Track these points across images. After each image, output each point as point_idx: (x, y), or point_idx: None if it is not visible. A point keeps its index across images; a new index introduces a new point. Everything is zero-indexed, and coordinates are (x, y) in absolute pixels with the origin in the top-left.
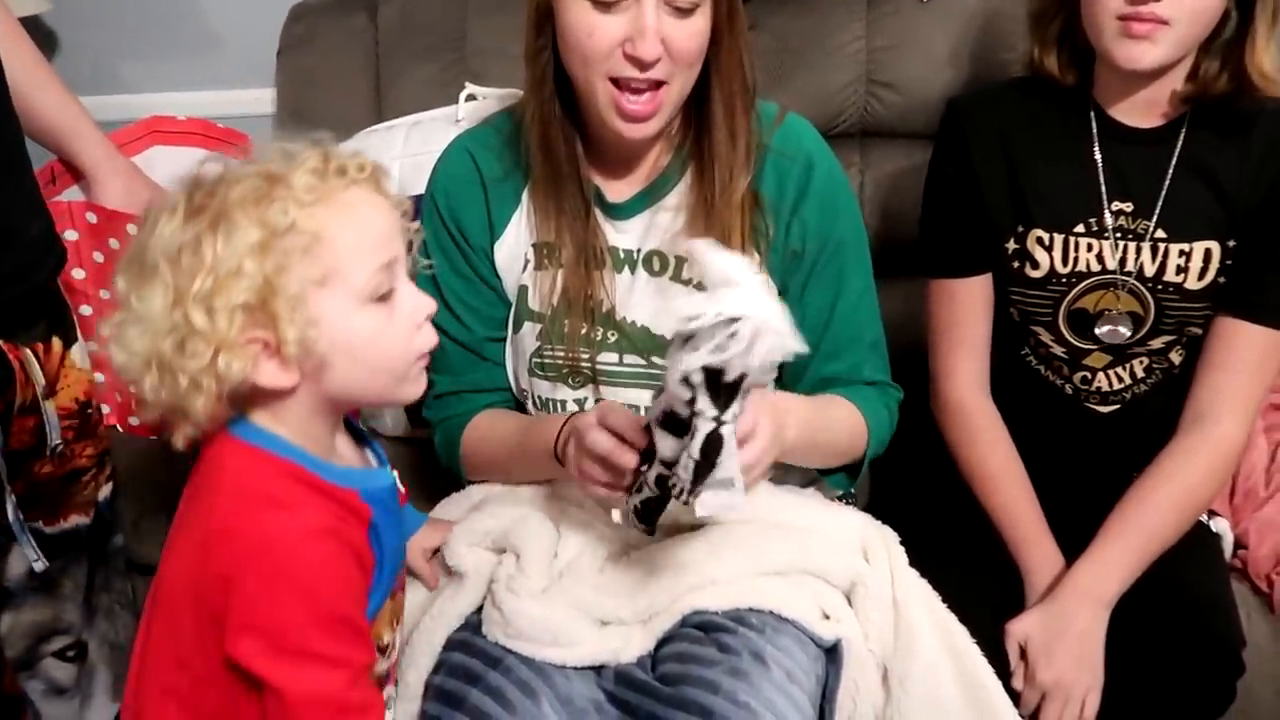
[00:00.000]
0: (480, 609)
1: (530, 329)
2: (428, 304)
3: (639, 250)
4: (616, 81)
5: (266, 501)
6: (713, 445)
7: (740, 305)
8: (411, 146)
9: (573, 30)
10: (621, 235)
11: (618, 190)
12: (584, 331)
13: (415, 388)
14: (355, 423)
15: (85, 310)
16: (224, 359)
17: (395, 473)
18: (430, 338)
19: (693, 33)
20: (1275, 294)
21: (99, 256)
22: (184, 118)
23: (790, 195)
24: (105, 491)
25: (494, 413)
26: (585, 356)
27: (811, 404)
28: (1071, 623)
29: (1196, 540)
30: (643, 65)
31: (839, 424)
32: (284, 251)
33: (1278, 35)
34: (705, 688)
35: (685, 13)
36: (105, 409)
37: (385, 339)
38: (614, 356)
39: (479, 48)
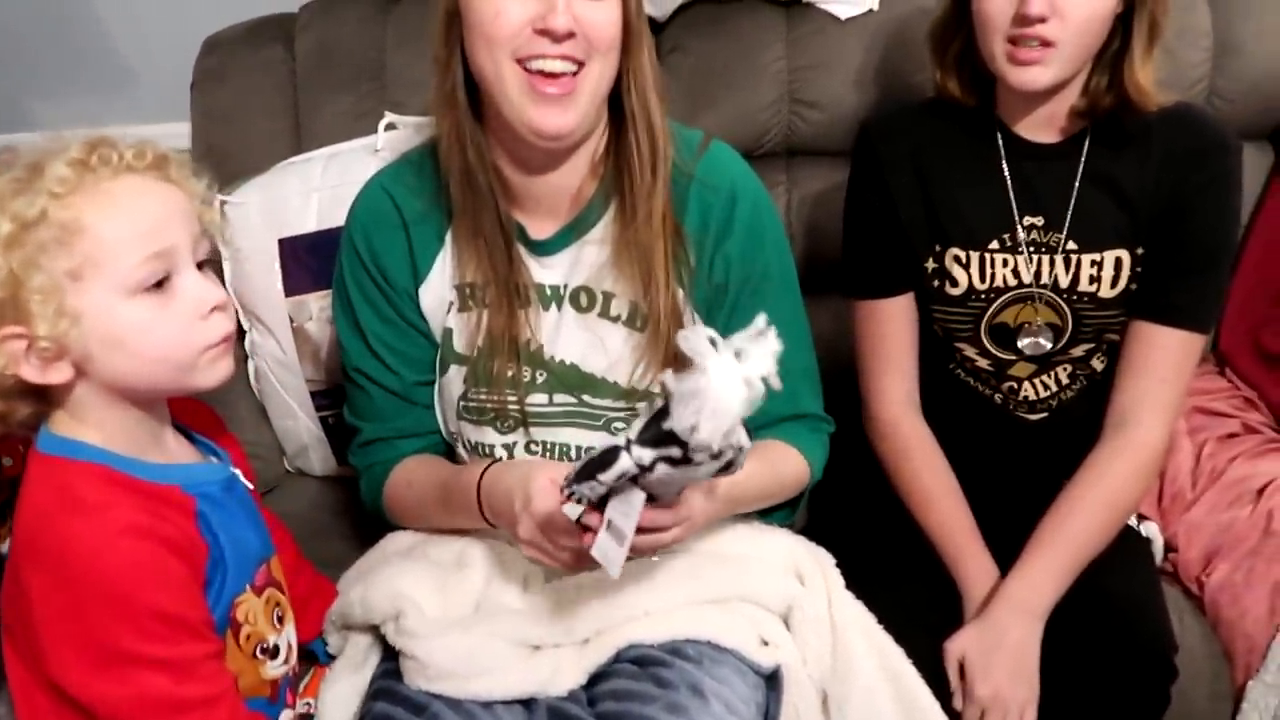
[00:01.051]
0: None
1: (456, 372)
2: (214, 295)
3: (565, 286)
4: (527, 69)
5: (66, 508)
6: (620, 483)
7: (700, 385)
8: (330, 178)
9: (479, 15)
10: (546, 271)
11: (541, 227)
12: (511, 373)
13: (209, 376)
14: (186, 426)
15: None
16: None
17: (238, 470)
18: (214, 329)
19: (606, 17)
20: (1183, 297)
21: None
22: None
23: (713, 228)
24: (5, 545)
25: (417, 461)
26: (513, 398)
27: (757, 475)
28: (1005, 636)
29: (1126, 546)
30: (556, 37)
31: (785, 478)
32: (35, 244)
33: (1159, 48)
34: None
35: None
36: None
37: (160, 330)
38: (543, 397)
39: (398, 77)
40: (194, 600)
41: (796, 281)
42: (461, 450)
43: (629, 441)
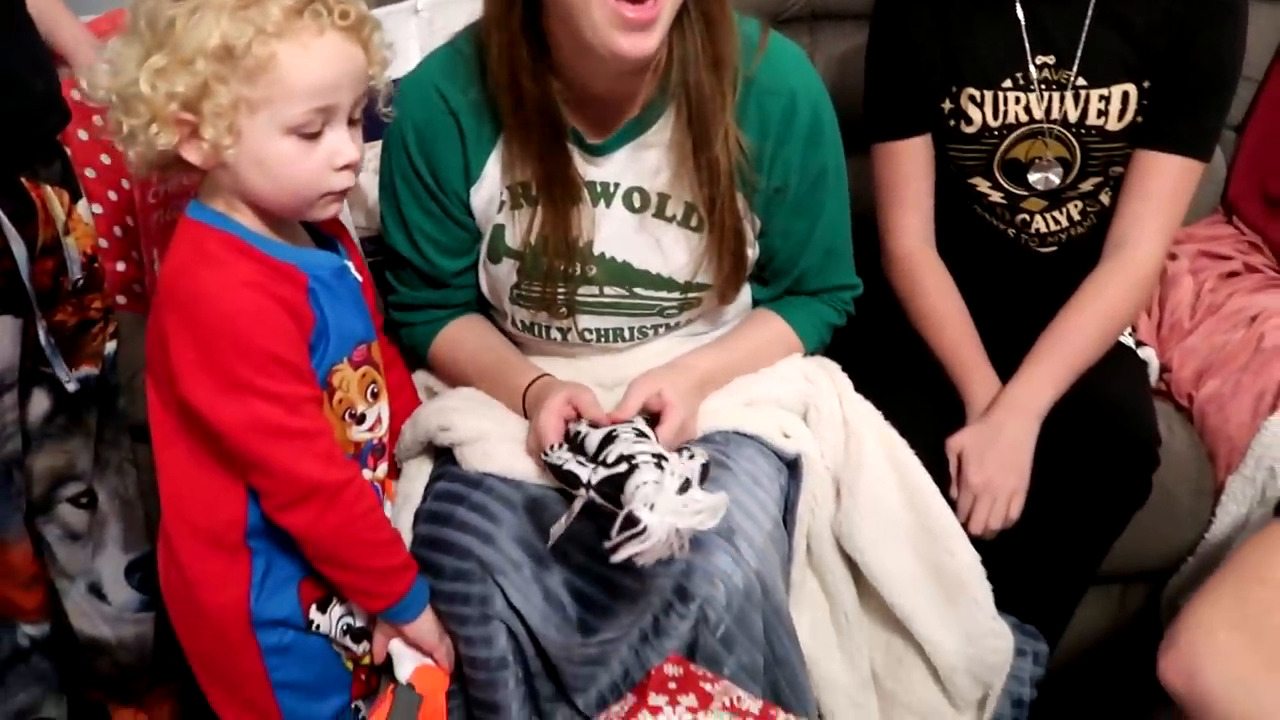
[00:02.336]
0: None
1: (508, 264)
2: (350, 154)
3: (617, 185)
4: None
5: (199, 262)
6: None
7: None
8: None
9: None
10: (598, 169)
11: (597, 132)
12: (563, 268)
13: (319, 213)
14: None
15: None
16: (155, 127)
17: (352, 264)
18: (339, 181)
19: None
20: (1185, 126)
21: (83, 135)
22: None
23: (773, 133)
24: (110, 346)
25: (465, 325)
26: (563, 292)
27: (728, 353)
28: (1002, 432)
29: (1119, 358)
30: None
31: (765, 351)
32: (232, 67)
33: None
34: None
35: None
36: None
37: (295, 168)
38: (594, 289)
39: None
40: (300, 351)
41: (845, 173)
42: (511, 327)
43: (589, 484)
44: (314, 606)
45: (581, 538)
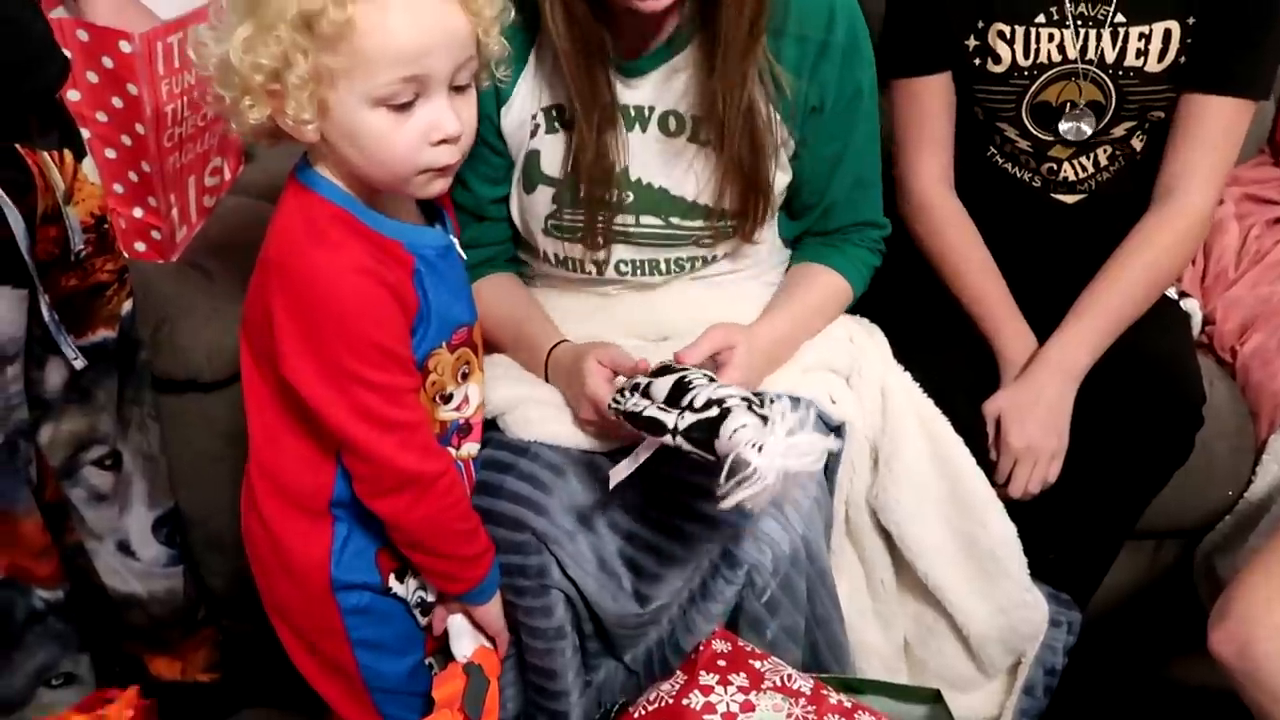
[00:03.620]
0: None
1: (544, 192)
2: (450, 127)
3: (651, 109)
4: None
5: (311, 241)
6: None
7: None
8: None
9: None
10: (632, 92)
11: (631, 49)
12: (600, 195)
13: (422, 190)
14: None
15: (84, 134)
16: (247, 100)
17: (456, 240)
18: (438, 157)
19: None
20: (1238, 65)
21: (93, 76)
22: None
23: (811, 54)
24: (127, 306)
25: (494, 287)
26: (601, 220)
27: (796, 318)
28: (1041, 394)
29: (1163, 312)
30: None
31: (826, 310)
32: (311, 35)
33: None
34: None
35: None
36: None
37: (388, 142)
38: (630, 218)
39: None
40: (405, 340)
41: (876, 99)
42: (545, 264)
43: (675, 430)
44: (392, 575)
45: (629, 503)
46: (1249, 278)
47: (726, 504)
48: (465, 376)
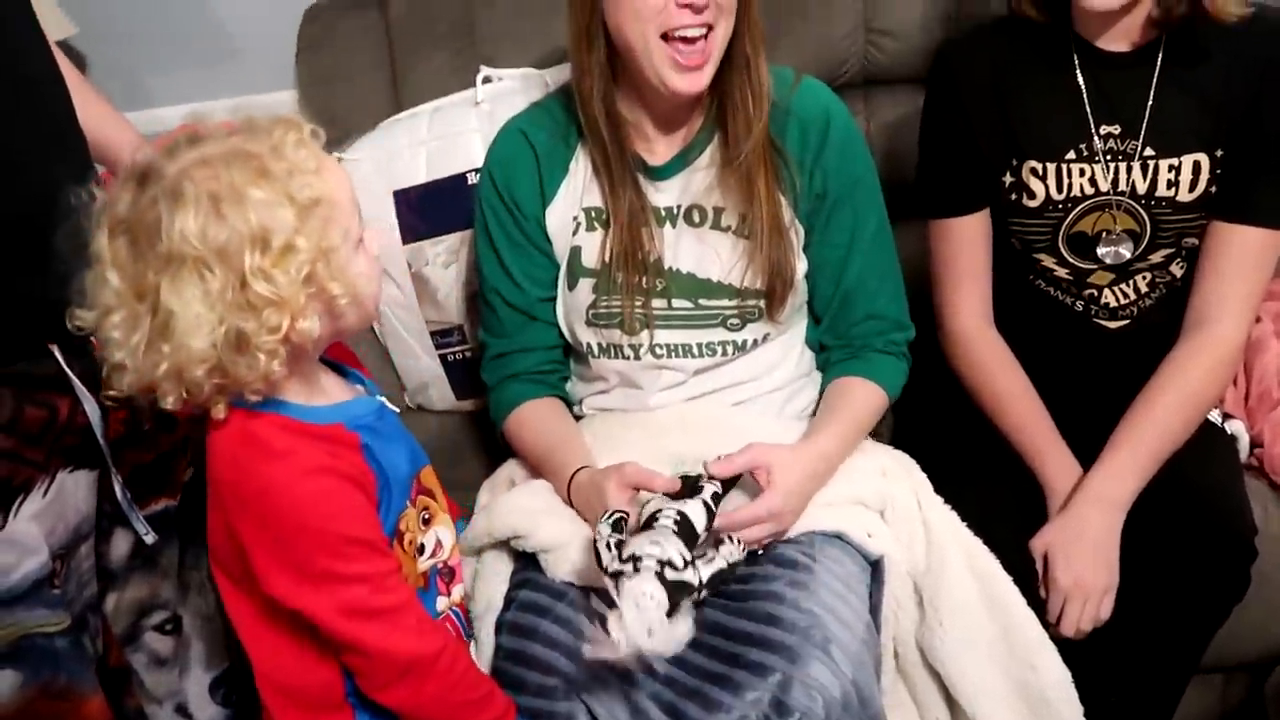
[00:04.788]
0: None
1: (586, 284)
2: (379, 238)
3: (679, 206)
4: (668, 39)
5: (259, 457)
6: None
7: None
8: (435, 131)
9: None
10: (661, 195)
11: (657, 155)
12: (637, 280)
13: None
14: (331, 360)
15: None
16: (301, 323)
17: (383, 397)
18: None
19: None
20: (1264, 196)
21: None
22: (210, 122)
23: (813, 146)
24: (188, 474)
25: (536, 412)
26: (639, 303)
27: (842, 436)
28: (1087, 528)
29: (1207, 439)
30: (697, 8)
31: (865, 424)
32: (318, 219)
33: None
34: (769, 599)
35: None
36: None
37: (373, 274)
38: (663, 302)
39: (488, 33)
40: (374, 523)
41: (882, 197)
42: (590, 356)
43: (605, 569)
44: None
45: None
46: None
47: (586, 654)
48: (427, 522)
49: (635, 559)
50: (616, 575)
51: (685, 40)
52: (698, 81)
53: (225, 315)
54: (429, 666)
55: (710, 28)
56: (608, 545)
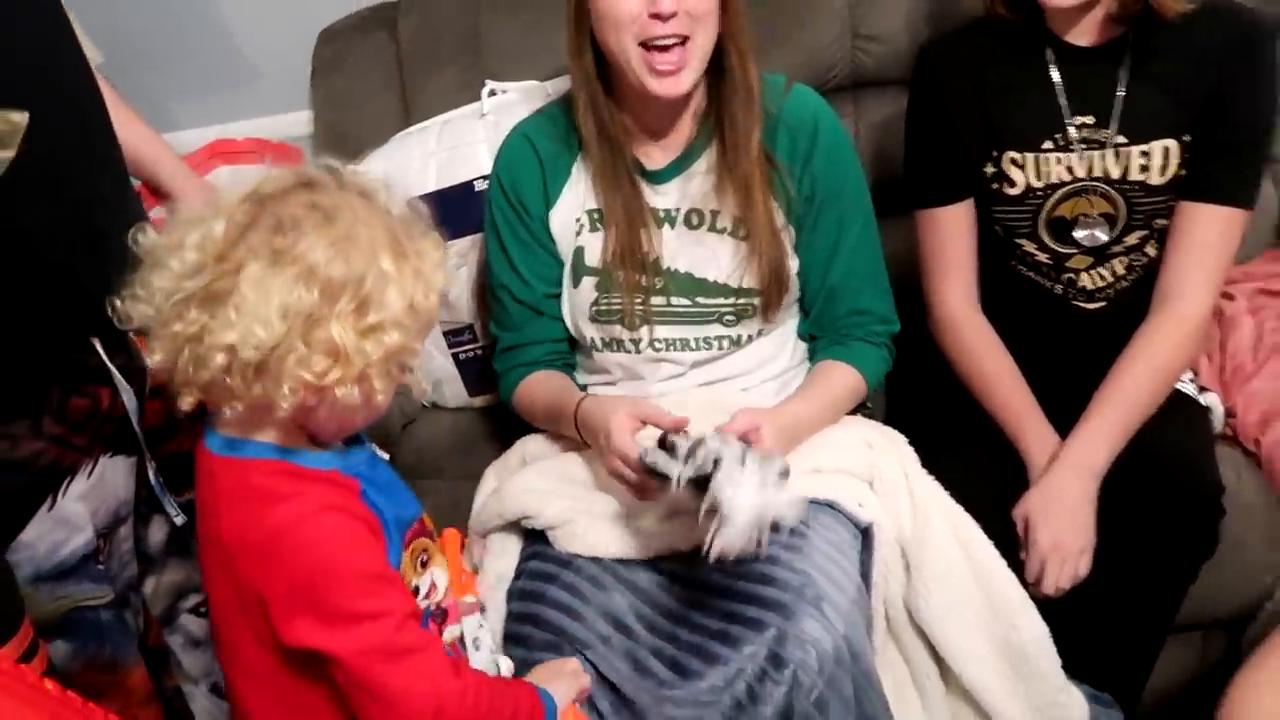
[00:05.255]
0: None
1: (589, 282)
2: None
3: (678, 209)
4: (646, 47)
5: (267, 502)
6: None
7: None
8: (445, 143)
9: (604, 6)
10: (661, 197)
11: (655, 161)
12: (636, 279)
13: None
14: None
15: None
16: (339, 389)
17: (371, 445)
18: None
19: None
20: (1225, 176)
21: None
22: (240, 139)
23: (802, 151)
24: None
25: (539, 376)
26: (639, 301)
27: (814, 403)
28: (1064, 493)
29: (1178, 409)
30: (663, 17)
31: (841, 401)
32: (415, 327)
33: None
34: (765, 561)
35: None
36: None
37: (385, 404)
38: (662, 300)
39: (492, 49)
40: (387, 562)
41: (869, 199)
42: (594, 350)
43: (679, 480)
44: None
45: (671, 609)
46: (1268, 369)
47: (710, 555)
48: (424, 564)
49: (716, 459)
50: (701, 478)
51: (661, 48)
52: (675, 86)
53: (287, 333)
54: (459, 707)
55: (686, 37)
56: (668, 460)
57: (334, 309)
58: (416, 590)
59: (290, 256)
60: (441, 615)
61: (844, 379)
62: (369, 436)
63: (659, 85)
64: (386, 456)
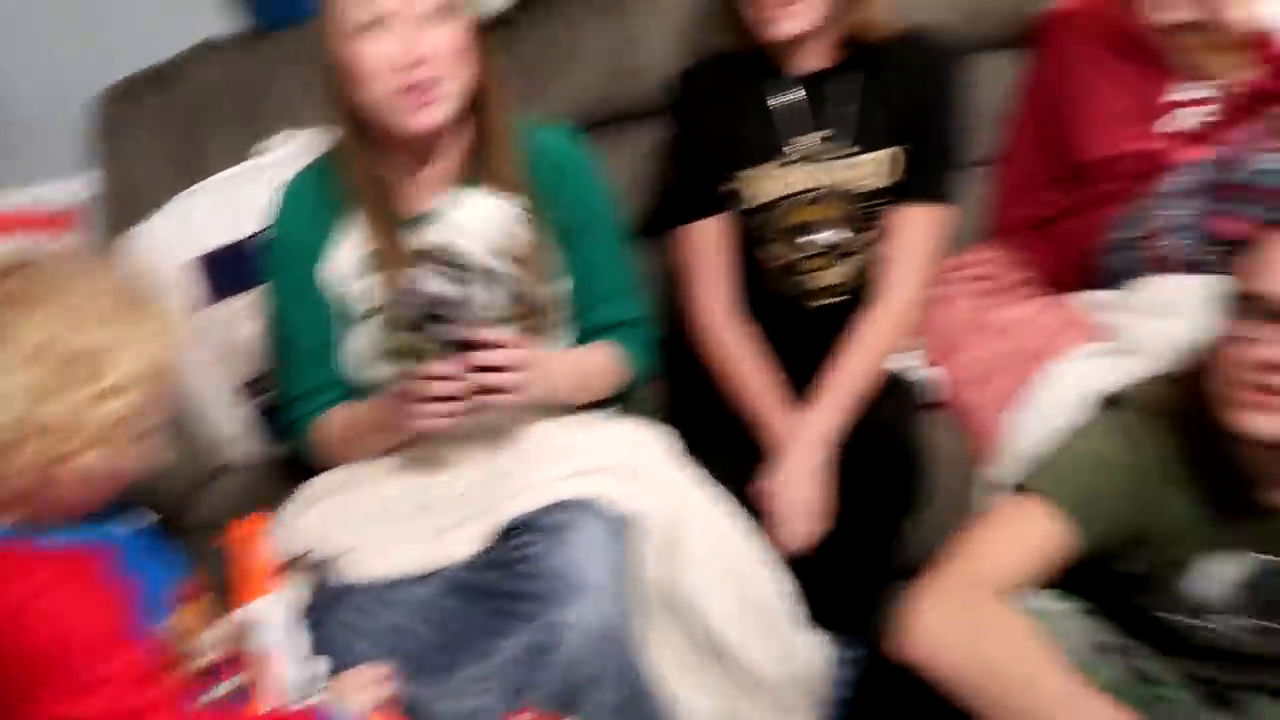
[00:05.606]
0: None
1: (373, 323)
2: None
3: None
4: (397, 92)
5: None
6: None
7: None
8: (228, 198)
9: (351, 63)
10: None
11: (425, 203)
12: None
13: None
14: None
15: None
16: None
17: (142, 510)
18: None
19: (444, 38)
20: (925, 179)
21: None
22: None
23: (552, 184)
24: None
25: (334, 409)
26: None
27: (572, 356)
28: (800, 463)
29: (893, 388)
30: (405, 67)
31: (600, 368)
32: (155, 387)
33: None
34: (530, 560)
35: (431, 21)
36: None
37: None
38: None
39: (273, 105)
40: (129, 623)
41: (616, 221)
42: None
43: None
44: None
45: (447, 611)
46: (972, 341)
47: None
48: (204, 619)
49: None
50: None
51: (412, 88)
52: (428, 117)
53: (15, 414)
54: None
55: (437, 78)
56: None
57: (61, 381)
58: (197, 646)
59: (5, 338)
60: (216, 672)
61: (605, 352)
62: (161, 496)
63: (414, 120)
64: (155, 519)
